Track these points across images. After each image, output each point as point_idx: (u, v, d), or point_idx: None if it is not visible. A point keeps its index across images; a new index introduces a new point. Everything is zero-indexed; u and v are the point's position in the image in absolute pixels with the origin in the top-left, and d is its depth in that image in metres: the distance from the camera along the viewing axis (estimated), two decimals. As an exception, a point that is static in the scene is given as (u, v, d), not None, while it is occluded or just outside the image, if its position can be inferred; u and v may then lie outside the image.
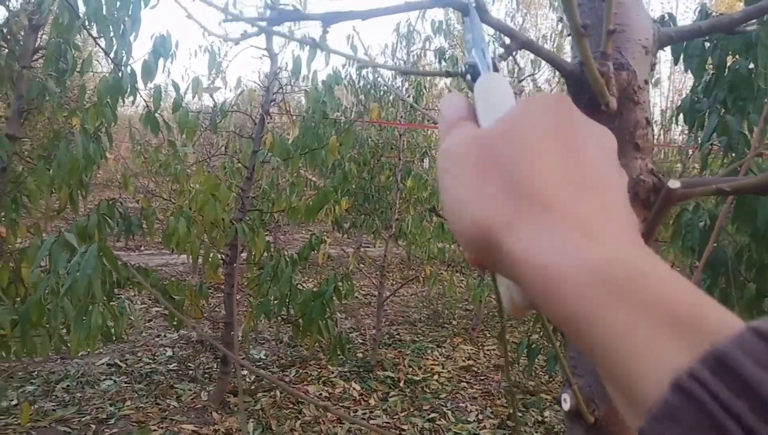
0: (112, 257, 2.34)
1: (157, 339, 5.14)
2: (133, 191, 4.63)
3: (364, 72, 8.17)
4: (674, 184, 0.42)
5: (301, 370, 4.54)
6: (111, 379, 4.15)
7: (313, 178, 6.92)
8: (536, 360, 3.06)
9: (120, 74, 3.19)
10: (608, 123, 0.51)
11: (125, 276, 3.44)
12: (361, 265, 7.52)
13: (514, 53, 0.49)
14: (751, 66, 2.64)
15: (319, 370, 4.55)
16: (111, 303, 2.78)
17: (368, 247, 8.27)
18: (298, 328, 3.73)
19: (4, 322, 2.33)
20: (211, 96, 5.11)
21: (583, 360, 0.54)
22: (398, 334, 5.66)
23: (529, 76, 6.10)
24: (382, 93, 7.92)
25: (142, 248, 8.57)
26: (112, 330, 3.04)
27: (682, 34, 0.54)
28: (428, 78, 9.45)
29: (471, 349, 5.36)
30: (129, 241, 8.75)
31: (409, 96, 7.71)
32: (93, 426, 3.41)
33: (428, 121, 7.83)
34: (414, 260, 8.27)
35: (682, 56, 2.81)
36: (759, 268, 2.60)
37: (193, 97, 3.56)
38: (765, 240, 2.45)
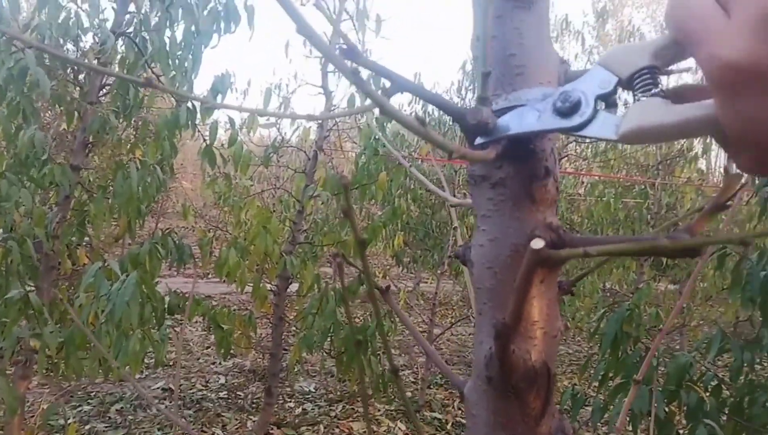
0: (151, 286, 2.42)
1: (212, 366, 5.25)
2: (193, 220, 4.81)
3: (429, 108, 8.25)
4: (537, 244, 0.38)
5: (347, 406, 4.50)
6: (163, 403, 4.25)
7: (379, 213, 6.97)
8: (580, 411, 2.89)
9: (179, 110, 3.34)
10: (500, 172, 0.48)
11: (176, 303, 3.56)
12: (420, 301, 7.44)
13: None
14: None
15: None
16: (155, 329, 2.86)
17: (427, 283, 8.19)
18: (341, 363, 3.70)
19: (51, 344, 2.44)
20: (278, 130, 5.28)
21: (477, 431, 0.49)
22: (451, 375, 5.52)
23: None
24: (446, 129, 7.94)
25: (209, 276, 8.85)
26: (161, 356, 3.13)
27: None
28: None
29: (526, 395, 5.15)
30: (197, 269, 9.06)
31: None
32: (138, 449, 3.50)
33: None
34: (475, 298, 8.10)
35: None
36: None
37: (248, 132, 3.69)
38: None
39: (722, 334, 2.57)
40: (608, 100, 0.44)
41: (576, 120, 0.43)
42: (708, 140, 7.24)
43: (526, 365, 0.46)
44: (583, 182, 7.88)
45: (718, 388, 2.47)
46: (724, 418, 2.42)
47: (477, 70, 0.50)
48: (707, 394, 2.41)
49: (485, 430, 0.48)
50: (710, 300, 6.02)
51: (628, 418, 2.74)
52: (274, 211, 4.52)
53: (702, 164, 8.23)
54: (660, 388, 2.44)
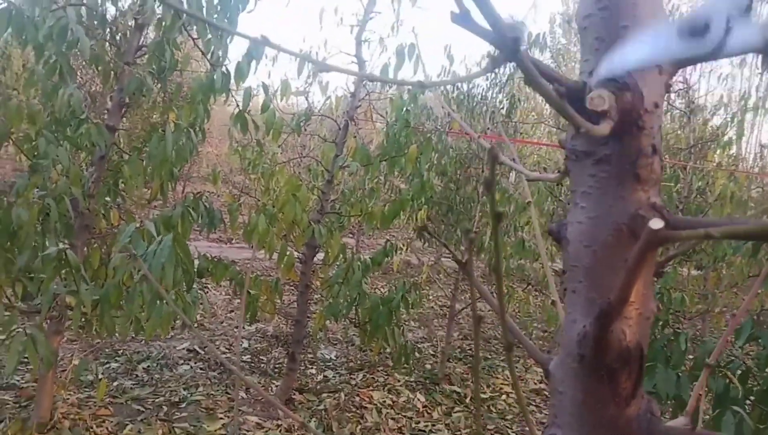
0: (185, 248, 2.45)
1: (235, 330, 5.33)
2: (219, 187, 4.84)
3: (461, 84, 8.13)
4: (656, 224, 0.37)
5: (368, 375, 4.55)
6: (188, 364, 4.34)
7: (403, 185, 6.95)
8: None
9: (214, 74, 3.34)
10: (605, 149, 0.47)
11: (205, 266, 3.60)
12: (440, 276, 7.45)
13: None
14: None
15: (386, 377, 4.54)
16: (186, 292, 2.90)
17: (449, 257, 8.19)
18: (364, 333, 3.74)
19: (86, 302, 2.49)
20: (306, 99, 5.26)
21: (563, 409, 0.49)
22: (470, 349, 5.56)
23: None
24: (474, 104, 7.83)
25: (234, 241, 8.94)
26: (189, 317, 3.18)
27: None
28: (526, 89, 9.26)
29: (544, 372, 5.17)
30: (223, 234, 9.13)
31: (502, 108, 7.59)
32: (165, 408, 3.58)
33: (520, 135, 7.66)
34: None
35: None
36: None
37: (281, 99, 3.67)
38: None
39: (753, 321, 2.55)
40: (741, 18, 0.40)
41: (709, 42, 0.40)
42: (743, 125, 7.06)
43: (621, 345, 0.45)
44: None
45: (745, 375, 2.45)
46: (749, 405, 2.41)
47: (585, 41, 0.48)
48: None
49: (573, 408, 0.48)
50: (735, 287, 5.95)
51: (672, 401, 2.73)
52: (301, 180, 4.53)
53: (734, 150, 8.05)
54: (687, 373, 2.43)
